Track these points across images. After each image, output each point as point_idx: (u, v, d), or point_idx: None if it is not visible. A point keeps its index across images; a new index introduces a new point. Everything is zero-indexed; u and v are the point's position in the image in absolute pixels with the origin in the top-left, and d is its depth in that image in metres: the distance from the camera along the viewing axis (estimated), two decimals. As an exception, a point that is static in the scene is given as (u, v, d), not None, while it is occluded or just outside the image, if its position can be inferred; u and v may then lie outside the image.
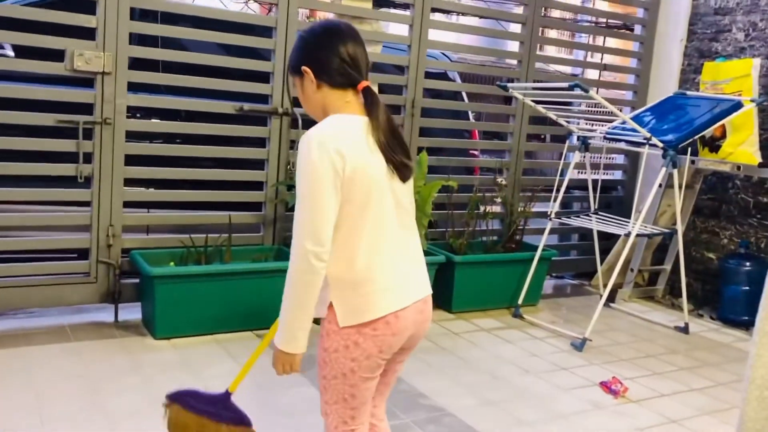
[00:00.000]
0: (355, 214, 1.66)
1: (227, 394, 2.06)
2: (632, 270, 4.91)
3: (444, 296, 4.25)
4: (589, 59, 7.79)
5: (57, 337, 3.38)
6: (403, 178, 1.74)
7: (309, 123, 4.12)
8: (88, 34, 3.42)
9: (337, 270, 1.67)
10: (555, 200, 4.46)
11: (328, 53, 1.73)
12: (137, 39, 3.64)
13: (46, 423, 2.52)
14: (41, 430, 2.46)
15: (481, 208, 4.53)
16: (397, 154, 1.71)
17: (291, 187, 3.88)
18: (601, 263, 4.95)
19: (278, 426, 2.64)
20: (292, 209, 1.76)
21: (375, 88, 1.82)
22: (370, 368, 1.70)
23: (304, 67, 1.75)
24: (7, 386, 2.79)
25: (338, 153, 1.62)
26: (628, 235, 4.03)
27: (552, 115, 4.39)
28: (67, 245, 3.63)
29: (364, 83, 1.75)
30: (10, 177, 3.40)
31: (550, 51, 14.80)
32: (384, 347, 1.69)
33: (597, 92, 4.03)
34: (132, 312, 3.69)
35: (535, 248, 4.46)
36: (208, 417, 2.01)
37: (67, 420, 2.56)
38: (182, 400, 2.06)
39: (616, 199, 5.45)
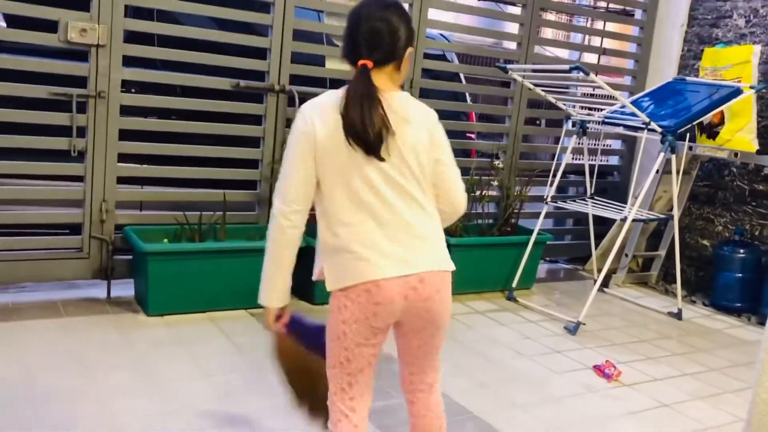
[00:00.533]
0: (330, 183, 1.74)
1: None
2: (627, 255, 4.92)
3: (438, 278, 4.24)
4: (588, 44, 7.74)
5: (49, 312, 3.35)
6: (375, 157, 1.71)
7: (306, 101, 4.06)
8: (82, 5, 3.36)
9: (322, 235, 1.79)
10: (551, 184, 4.45)
11: (348, 31, 1.80)
12: (132, 12, 3.58)
13: (38, 397, 2.50)
14: (32, 405, 2.45)
15: (477, 191, 4.51)
16: (354, 135, 1.69)
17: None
18: (596, 248, 4.95)
19: (275, 406, 2.63)
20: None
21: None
22: (360, 333, 1.75)
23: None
24: (-2, 360, 2.77)
25: (313, 123, 1.73)
26: (624, 220, 4.02)
27: (551, 98, 4.37)
28: (59, 220, 3.59)
29: (362, 61, 1.74)
30: (2, 150, 3.35)
31: (549, 35, 14.72)
32: (369, 314, 1.72)
33: (596, 76, 4.00)
34: (125, 288, 3.66)
35: (530, 232, 4.45)
36: (307, 347, 2.01)
37: (59, 395, 2.54)
38: (288, 326, 2.02)
39: (612, 185, 5.44)
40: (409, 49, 1.81)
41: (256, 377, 2.85)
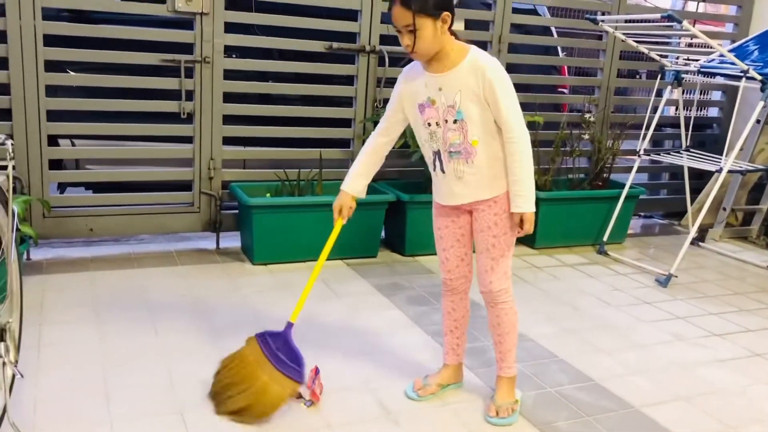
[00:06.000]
0: None
1: (289, 326, 2.33)
2: (725, 209, 4.79)
3: (528, 232, 4.30)
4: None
5: (165, 261, 3.69)
6: None
7: (396, 60, 4.17)
8: (187, -24, 3.60)
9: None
10: (644, 137, 4.39)
11: None
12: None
13: (160, 333, 2.80)
14: (156, 338, 2.75)
15: (568, 146, 4.51)
16: None
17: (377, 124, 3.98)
18: (692, 203, 4.85)
19: (367, 345, 2.83)
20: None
21: (462, 25, 2.03)
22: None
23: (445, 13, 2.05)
24: (124, 301, 3.10)
25: None
26: (719, 171, 3.94)
27: (644, 49, 4.28)
28: (172, 178, 3.90)
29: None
30: (121, 114, 3.68)
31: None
32: None
33: (694, 25, 3.90)
34: (232, 240, 3.97)
35: (622, 186, 4.43)
36: (268, 360, 2.27)
37: (178, 331, 2.83)
38: (262, 338, 2.32)
39: (711, 138, 5.28)
40: None
41: (349, 320, 3.06)
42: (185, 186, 3.91)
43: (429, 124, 2.19)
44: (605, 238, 4.37)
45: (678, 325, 3.28)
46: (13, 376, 2.04)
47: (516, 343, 2.41)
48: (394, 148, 3.87)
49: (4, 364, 1.89)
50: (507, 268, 2.30)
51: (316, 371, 2.41)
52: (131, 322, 2.88)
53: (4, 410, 1.94)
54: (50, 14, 3.48)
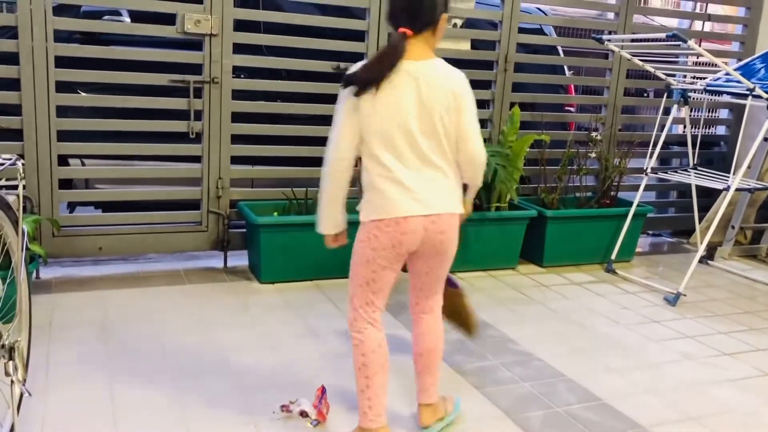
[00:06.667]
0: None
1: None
2: (733, 227, 4.78)
3: (535, 250, 4.30)
4: (696, 11, 7.43)
5: (173, 280, 3.70)
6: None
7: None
8: (196, -2, 3.65)
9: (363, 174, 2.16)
10: (651, 156, 4.39)
11: None
12: (240, 2, 3.84)
13: (168, 352, 2.81)
14: (164, 357, 2.76)
15: (575, 164, 4.51)
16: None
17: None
18: (701, 221, 4.83)
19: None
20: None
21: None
22: (387, 258, 2.08)
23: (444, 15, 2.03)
24: (132, 321, 3.11)
25: None
26: (727, 189, 3.93)
27: (649, 67, 4.30)
28: (181, 197, 3.93)
29: (402, 29, 2.02)
30: (130, 134, 3.71)
31: (654, 2, 14.11)
32: (395, 243, 2.06)
33: (700, 44, 3.91)
34: (239, 259, 3.97)
35: (630, 204, 4.42)
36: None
37: (185, 350, 2.84)
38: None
39: (719, 155, 5.27)
40: (444, 15, 2.03)
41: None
42: (193, 205, 3.93)
43: None
44: (613, 257, 4.36)
45: (687, 344, 3.26)
46: (21, 395, 2.05)
47: (362, 392, 2.17)
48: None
49: (12, 382, 1.90)
50: (352, 299, 2.20)
51: (323, 390, 2.41)
52: (139, 342, 2.89)
53: (12, 429, 1.94)
54: (62, 36, 3.53)
